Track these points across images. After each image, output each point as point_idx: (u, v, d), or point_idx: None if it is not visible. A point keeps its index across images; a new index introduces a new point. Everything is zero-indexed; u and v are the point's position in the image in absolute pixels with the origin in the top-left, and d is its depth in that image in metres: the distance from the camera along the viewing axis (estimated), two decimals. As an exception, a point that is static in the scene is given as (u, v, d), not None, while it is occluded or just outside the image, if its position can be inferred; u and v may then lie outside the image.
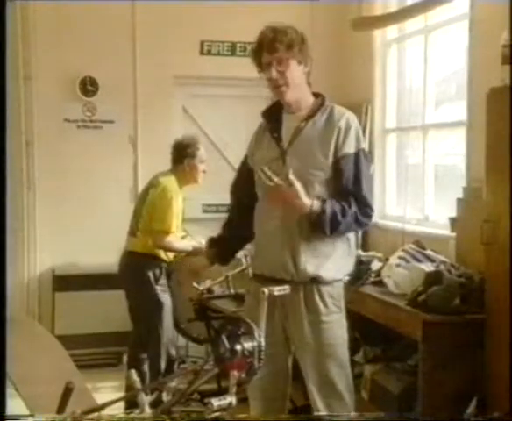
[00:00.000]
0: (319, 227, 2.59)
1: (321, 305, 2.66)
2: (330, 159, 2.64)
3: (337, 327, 2.70)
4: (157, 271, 4.17)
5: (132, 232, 4.28)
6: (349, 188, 2.63)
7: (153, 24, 5.55)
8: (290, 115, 2.74)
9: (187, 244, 4.40)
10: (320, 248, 2.66)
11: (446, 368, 3.37)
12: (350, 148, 2.65)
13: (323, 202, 2.58)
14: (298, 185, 2.53)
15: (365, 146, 2.75)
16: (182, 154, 4.29)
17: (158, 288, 4.16)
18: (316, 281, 2.64)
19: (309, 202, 2.56)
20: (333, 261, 2.68)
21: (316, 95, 2.77)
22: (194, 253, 4.47)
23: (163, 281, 4.21)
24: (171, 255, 4.31)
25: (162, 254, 4.22)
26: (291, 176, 2.51)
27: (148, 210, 4.18)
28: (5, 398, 1.95)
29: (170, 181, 4.22)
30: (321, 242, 2.65)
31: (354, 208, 2.61)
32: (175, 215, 4.15)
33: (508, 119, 3.06)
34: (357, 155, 2.66)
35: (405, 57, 5.31)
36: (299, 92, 2.70)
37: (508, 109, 3.08)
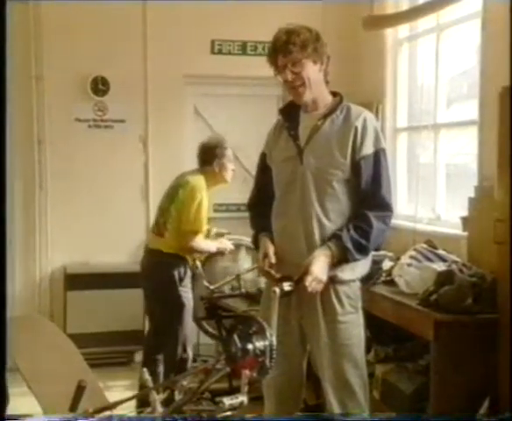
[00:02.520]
0: (349, 261, 2.61)
1: (337, 305, 2.65)
2: (349, 159, 2.63)
3: (353, 327, 2.69)
4: (182, 271, 4.15)
5: (159, 232, 4.22)
6: (368, 190, 2.62)
7: (164, 23, 5.55)
8: (308, 113, 2.73)
9: (212, 245, 4.37)
10: None
11: (458, 368, 3.35)
12: (368, 149, 2.63)
13: (339, 238, 2.57)
14: (315, 270, 2.52)
15: (384, 145, 2.72)
16: (211, 156, 4.26)
17: (181, 289, 4.14)
18: (332, 280, 2.63)
19: (327, 258, 2.55)
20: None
21: (333, 93, 2.76)
22: (218, 253, 4.47)
23: (187, 281, 4.20)
24: (196, 255, 4.31)
25: (187, 254, 4.20)
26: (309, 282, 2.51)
27: (178, 211, 4.14)
28: (5, 398, 1.95)
29: (199, 181, 4.20)
30: None
31: (375, 222, 2.59)
32: (204, 215, 4.13)
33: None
34: (376, 156, 2.64)
35: (417, 56, 5.28)
36: (316, 91, 2.68)
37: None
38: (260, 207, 2.86)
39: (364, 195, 2.63)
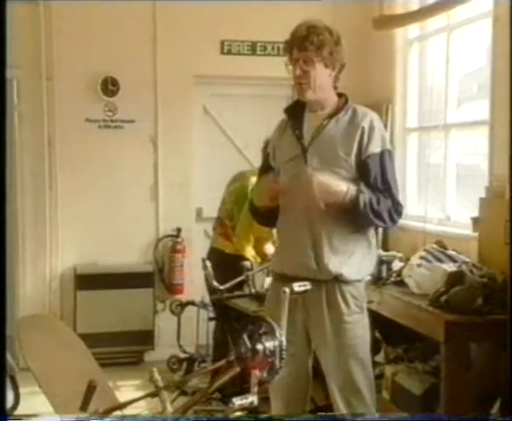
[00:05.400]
0: (354, 214, 2.60)
1: (343, 305, 2.66)
2: (354, 158, 2.64)
3: (358, 327, 2.70)
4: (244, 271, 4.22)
5: (226, 235, 4.34)
6: (378, 186, 2.65)
7: (174, 24, 5.56)
8: (313, 113, 2.74)
9: None
10: (342, 247, 2.66)
11: (469, 369, 3.34)
12: (375, 148, 2.66)
13: (359, 188, 2.59)
14: (324, 178, 2.54)
15: (390, 147, 2.75)
16: None
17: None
18: (338, 279, 2.64)
19: (344, 187, 2.56)
20: (355, 261, 2.69)
21: (339, 94, 2.77)
22: None
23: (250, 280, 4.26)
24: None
25: (251, 257, 4.28)
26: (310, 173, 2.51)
27: (247, 216, 4.07)
28: (5, 399, 1.96)
29: None
30: (343, 241, 2.66)
31: (389, 202, 2.63)
32: None
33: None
34: (382, 155, 2.67)
35: (427, 55, 5.26)
36: (321, 94, 2.70)
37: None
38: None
39: (375, 191, 2.63)
